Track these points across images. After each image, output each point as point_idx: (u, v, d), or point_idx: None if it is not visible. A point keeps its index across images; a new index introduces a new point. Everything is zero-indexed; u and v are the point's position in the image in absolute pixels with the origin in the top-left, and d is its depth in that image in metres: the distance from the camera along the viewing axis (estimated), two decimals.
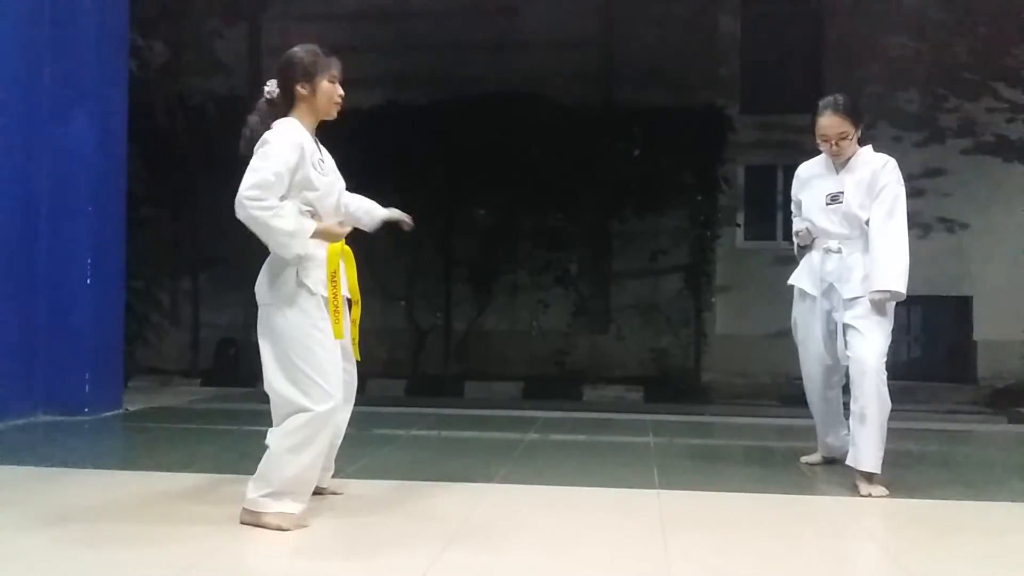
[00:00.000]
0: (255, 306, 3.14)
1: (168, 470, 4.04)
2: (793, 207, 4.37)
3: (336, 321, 3.06)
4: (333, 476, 3.55)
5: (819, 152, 4.16)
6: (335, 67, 3.19)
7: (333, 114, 3.21)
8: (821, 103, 3.96)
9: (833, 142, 3.91)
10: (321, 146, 3.21)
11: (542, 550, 2.87)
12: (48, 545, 2.83)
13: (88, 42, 5.87)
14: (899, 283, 3.74)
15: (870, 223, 3.84)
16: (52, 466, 4.13)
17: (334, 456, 3.47)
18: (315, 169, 3.08)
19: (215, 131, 10.46)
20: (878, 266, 3.77)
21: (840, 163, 3.99)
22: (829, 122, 3.91)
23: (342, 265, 3.15)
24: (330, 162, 3.25)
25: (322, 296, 3.06)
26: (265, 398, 3.14)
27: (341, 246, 3.17)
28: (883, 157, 3.94)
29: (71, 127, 5.78)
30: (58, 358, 5.74)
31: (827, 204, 3.99)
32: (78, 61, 5.81)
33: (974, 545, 3.04)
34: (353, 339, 3.29)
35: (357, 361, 3.33)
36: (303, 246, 3.00)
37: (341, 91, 3.20)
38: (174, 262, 11.40)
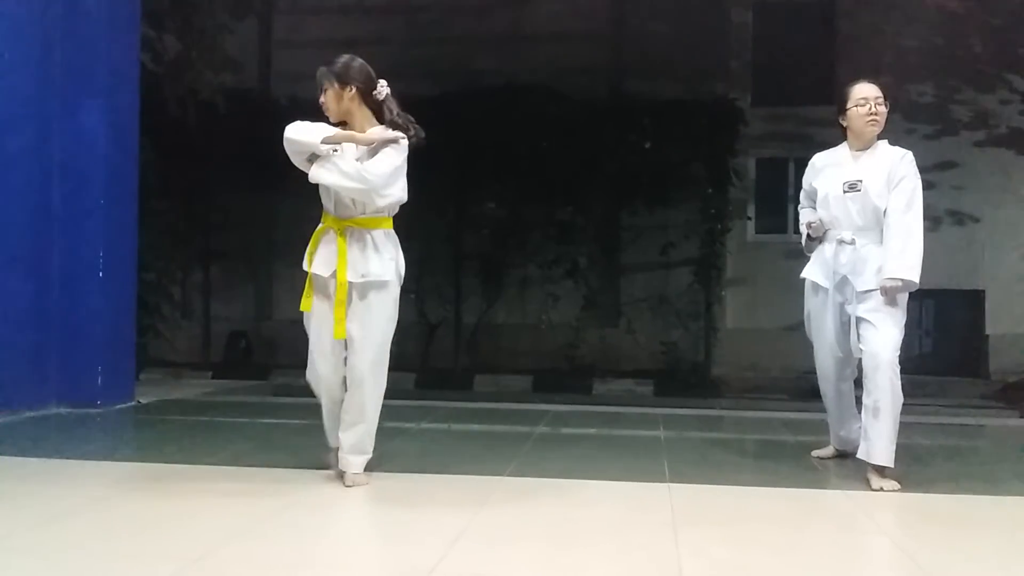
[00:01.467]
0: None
1: (179, 462, 4.05)
2: (803, 196, 4.34)
3: (306, 295, 3.53)
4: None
5: (832, 145, 4.14)
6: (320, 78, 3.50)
7: (331, 120, 3.51)
8: (853, 80, 4.01)
9: (872, 103, 3.89)
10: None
11: (553, 543, 2.87)
12: (59, 536, 2.84)
13: (100, 35, 5.87)
14: (912, 273, 3.72)
15: (887, 214, 3.81)
16: (64, 458, 4.15)
17: (336, 433, 3.64)
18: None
19: (226, 125, 10.49)
20: (892, 255, 3.75)
21: (867, 141, 3.95)
22: (868, 86, 3.94)
23: (324, 246, 3.49)
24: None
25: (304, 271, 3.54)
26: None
27: (323, 229, 3.50)
28: (901, 150, 3.92)
29: (83, 120, 5.80)
30: (70, 351, 5.76)
31: (844, 192, 3.96)
32: (90, 54, 5.82)
33: (988, 540, 3.02)
34: (337, 318, 3.47)
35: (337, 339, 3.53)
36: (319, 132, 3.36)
37: (320, 100, 3.51)
38: (185, 255, 11.44)
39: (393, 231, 3.55)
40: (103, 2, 5.90)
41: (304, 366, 3.64)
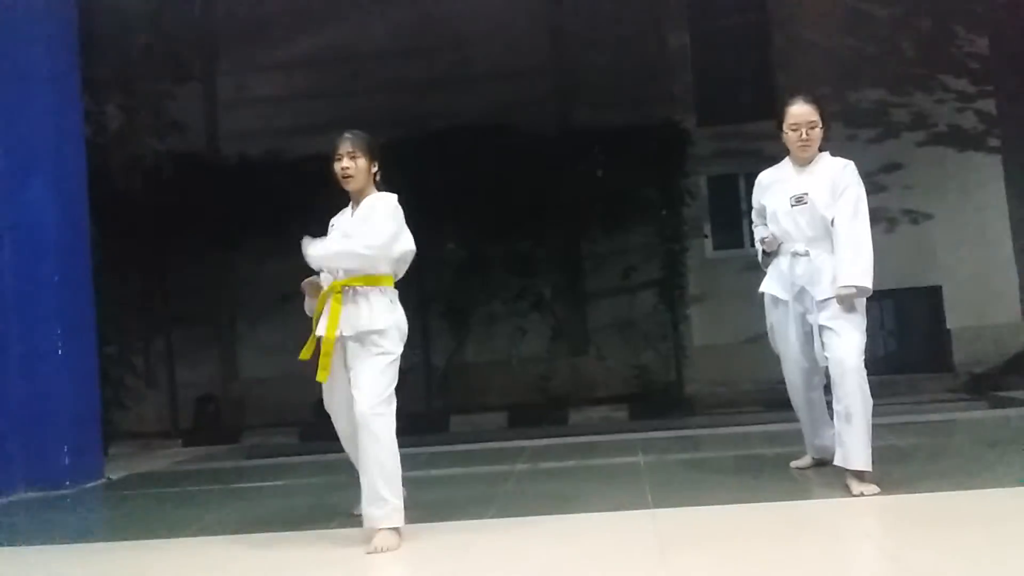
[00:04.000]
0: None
1: (156, 537, 3.96)
2: (754, 215, 4.40)
3: (321, 367, 3.52)
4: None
5: (778, 160, 4.21)
6: (337, 146, 3.59)
7: (345, 187, 3.63)
8: (790, 97, 4.05)
9: (804, 130, 3.96)
10: (354, 209, 3.66)
11: None
12: None
13: (43, 110, 5.83)
14: (865, 278, 3.78)
15: (835, 223, 3.88)
16: (36, 544, 4.04)
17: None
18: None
19: (176, 188, 10.40)
20: (844, 263, 3.81)
21: (805, 160, 4.03)
22: (801, 109, 3.98)
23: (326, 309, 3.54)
24: (343, 226, 3.66)
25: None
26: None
27: (326, 294, 3.56)
28: (842, 160, 4.00)
29: (30, 197, 5.73)
30: (35, 432, 5.63)
31: (792, 206, 4.03)
32: (32, 130, 5.77)
33: (971, 535, 3.05)
34: (322, 366, 3.54)
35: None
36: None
37: (341, 165, 3.58)
38: (146, 323, 11.27)
39: (389, 288, 3.69)
40: (46, 76, 5.85)
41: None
